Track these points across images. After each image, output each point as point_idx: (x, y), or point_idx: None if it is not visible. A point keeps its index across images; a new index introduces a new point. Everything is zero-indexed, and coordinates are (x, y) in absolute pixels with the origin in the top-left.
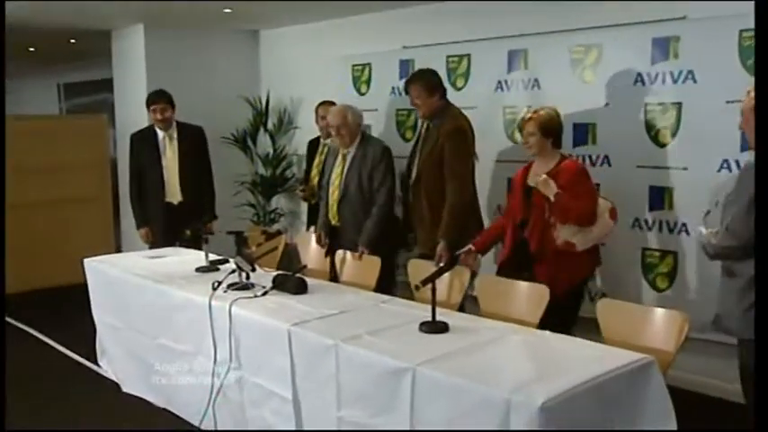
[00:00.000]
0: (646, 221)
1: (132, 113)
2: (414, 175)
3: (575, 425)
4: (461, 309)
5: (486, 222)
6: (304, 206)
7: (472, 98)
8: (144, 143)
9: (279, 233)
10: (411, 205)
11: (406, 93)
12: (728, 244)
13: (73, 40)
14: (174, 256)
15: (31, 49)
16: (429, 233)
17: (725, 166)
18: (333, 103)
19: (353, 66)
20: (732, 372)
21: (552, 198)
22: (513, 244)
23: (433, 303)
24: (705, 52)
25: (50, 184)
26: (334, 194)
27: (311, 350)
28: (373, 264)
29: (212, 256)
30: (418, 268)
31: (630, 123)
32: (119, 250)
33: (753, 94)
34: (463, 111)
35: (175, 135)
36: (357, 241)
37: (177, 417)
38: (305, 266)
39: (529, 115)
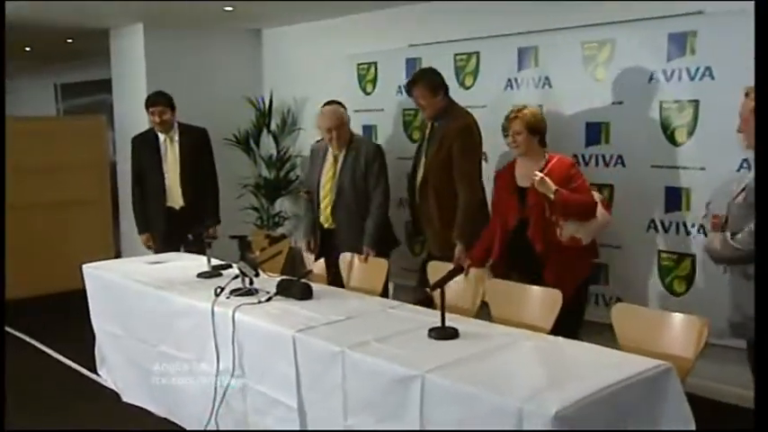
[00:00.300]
0: (662, 223)
1: (131, 115)
2: (420, 176)
3: None
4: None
5: None
6: None
7: (481, 97)
8: (145, 146)
9: (283, 237)
10: (418, 207)
11: (409, 94)
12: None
13: (70, 40)
14: (175, 262)
15: (27, 49)
16: (439, 234)
17: (744, 165)
18: (339, 103)
19: (359, 65)
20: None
21: (552, 196)
22: (504, 246)
23: (443, 309)
24: (723, 48)
25: (49, 187)
26: (326, 198)
27: (317, 357)
28: (380, 266)
29: (215, 262)
30: (437, 270)
31: (645, 122)
32: (118, 254)
33: (752, 95)
34: (472, 110)
35: (177, 138)
36: (355, 243)
37: (179, 426)
38: (310, 271)
39: (513, 114)
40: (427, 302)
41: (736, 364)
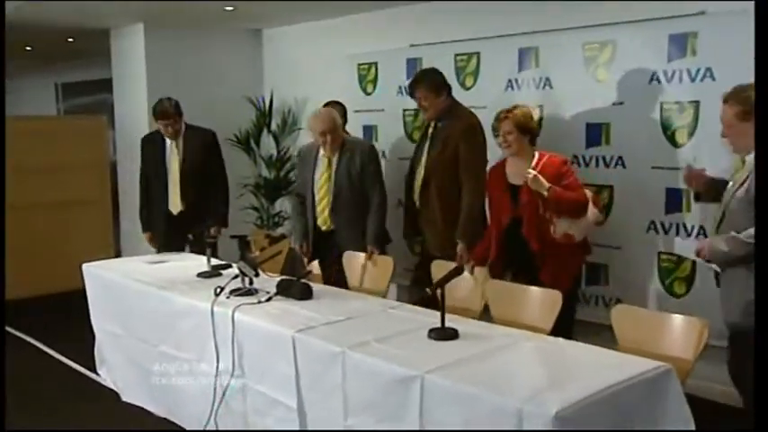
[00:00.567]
0: (662, 224)
1: (132, 114)
2: (421, 176)
3: None
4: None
5: None
6: None
7: (482, 98)
8: (151, 147)
9: (283, 237)
10: (418, 208)
11: (411, 96)
12: None
13: (71, 39)
14: (175, 262)
15: (28, 48)
16: (441, 234)
17: None
18: (339, 104)
19: (359, 65)
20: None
21: (545, 193)
22: (499, 245)
23: (443, 310)
24: (724, 49)
25: (49, 186)
26: (323, 200)
27: (317, 357)
28: (386, 264)
29: (215, 261)
30: (441, 269)
31: (646, 123)
32: (118, 253)
33: (731, 101)
34: (473, 111)
35: (182, 142)
36: (356, 243)
37: (178, 426)
38: (310, 271)
39: (504, 114)
40: (425, 303)
41: None
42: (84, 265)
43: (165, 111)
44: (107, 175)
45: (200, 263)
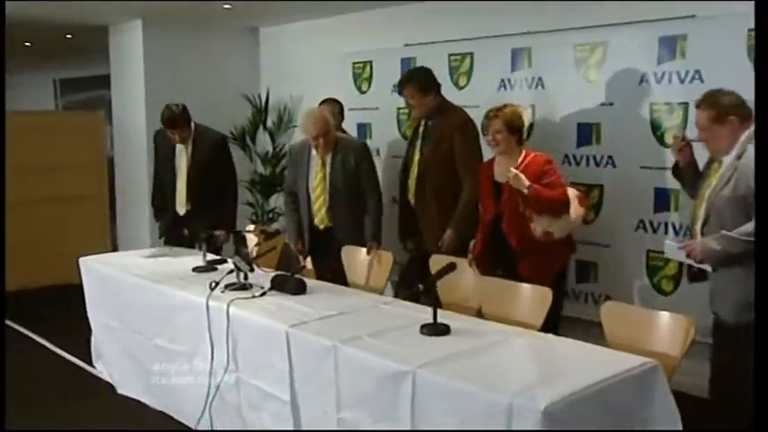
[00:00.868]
0: (651, 223)
1: (130, 110)
2: (414, 174)
3: (578, 430)
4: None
5: None
6: None
7: (475, 97)
8: (162, 145)
9: (277, 233)
10: (413, 206)
11: (400, 94)
12: None
13: (70, 36)
14: (171, 256)
15: (28, 44)
16: (437, 231)
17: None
18: (335, 101)
19: (354, 63)
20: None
21: (525, 191)
22: (486, 240)
23: (435, 305)
24: (713, 52)
25: (46, 181)
26: (319, 199)
27: (310, 351)
28: (386, 260)
29: (210, 256)
30: (439, 264)
31: (636, 123)
32: (115, 248)
33: (703, 106)
34: (466, 110)
35: (191, 144)
36: (354, 240)
37: (173, 419)
38: (304, 267)
39: (493, 113)
40: (415, 298)
41: None
42: (82, 259)
43: (173, 119)
44: (104, 170)
45: (196, 258)
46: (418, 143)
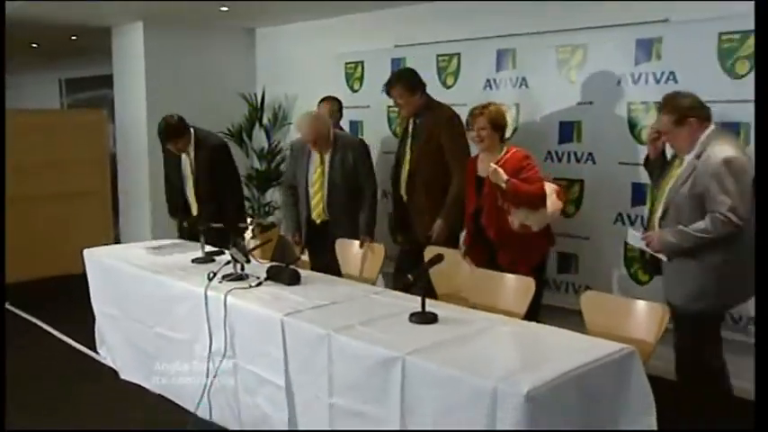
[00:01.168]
0: (628, 216)
1: (131, 109)
2: (406, 170)
3: (560, 412)
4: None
5: None
6: None
7: (462, 96)
8: (169, 151)
9: (273, 225)
10: (406, 202)
11: (387, 94)
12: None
13: (74, 37)
14: (171, 248)
15: (34, 45)
16: (428, 224)
17: None
18: (335, 99)
19: (347, 64)
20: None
21: (504, 185)
22: (471, 233)
23: (423, 295)
24: (686, 54)
25: (50, 178)
26: (317, 194)
27: (304, 339)
28: (378, 252)
29: (208, 248)
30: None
31: (614, 122)
32: (117, 242)
33: (665, 110)
34: (454, 108)
35: (192, 152)
36: (350, 234)
37: (174, 403)
38: (298, 258)
39: (478, 111)
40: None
41: None
42: (86, 251)
43: (170, 131)
44: (107, 168)
45: (195, 249)
46: (408, 140)
